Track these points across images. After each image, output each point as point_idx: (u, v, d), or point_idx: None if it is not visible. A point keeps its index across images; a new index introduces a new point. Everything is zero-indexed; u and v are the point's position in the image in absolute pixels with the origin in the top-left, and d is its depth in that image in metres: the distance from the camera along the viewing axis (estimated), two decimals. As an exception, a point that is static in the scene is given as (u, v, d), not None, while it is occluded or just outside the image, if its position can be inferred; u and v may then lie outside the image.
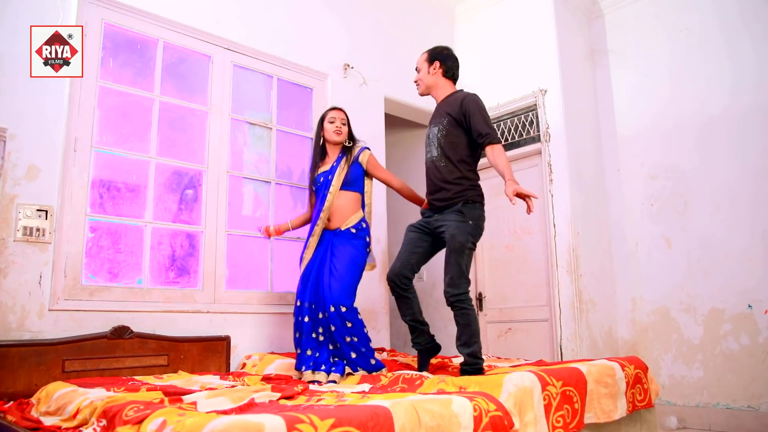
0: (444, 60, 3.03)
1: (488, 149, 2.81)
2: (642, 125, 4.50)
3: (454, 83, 3.08)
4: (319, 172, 3.24)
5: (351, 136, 3.32)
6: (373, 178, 3.35)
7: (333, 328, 2.96)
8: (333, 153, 3.28)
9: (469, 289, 2.80)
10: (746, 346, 3.81)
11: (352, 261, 3.09)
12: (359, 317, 3.01)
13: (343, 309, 2.95)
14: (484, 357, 2.98)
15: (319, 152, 3.28)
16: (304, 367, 2.94)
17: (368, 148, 3.32)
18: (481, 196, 2.88)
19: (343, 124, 3.27)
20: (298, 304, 3.09)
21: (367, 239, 3.19)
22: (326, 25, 4.24)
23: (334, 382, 2.84)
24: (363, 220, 3.21)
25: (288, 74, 4.01)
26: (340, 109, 3.31)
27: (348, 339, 2.96)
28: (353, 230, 3.15)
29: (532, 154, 4.54)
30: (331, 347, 3.01)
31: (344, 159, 3.22)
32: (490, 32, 4.96)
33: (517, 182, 2.69)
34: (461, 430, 1.71)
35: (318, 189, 3.23)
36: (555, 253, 4.23)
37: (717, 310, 3.97)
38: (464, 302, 2.75)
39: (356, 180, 3.23)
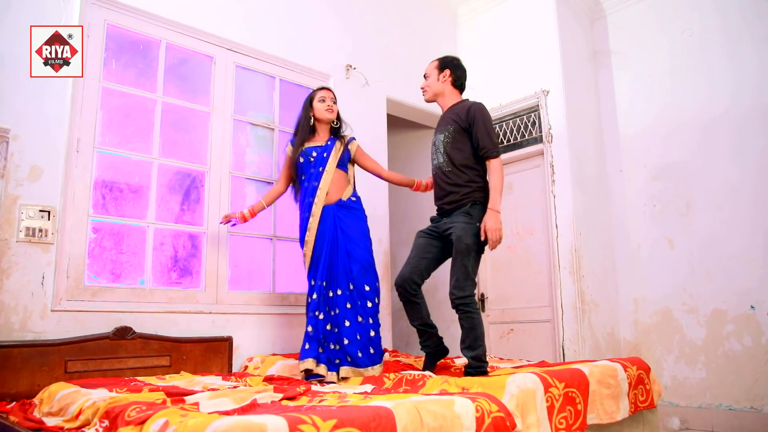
0: (454, 69, 3.06)
1: (486, 163, 2.89)
2: (644, 126, 4.50)
3: (461, 93, 3.11)
4: (308, 146, 3.25)
5: (338, 116, 3.36)
6: (355, 165, 3.41)
7: (349, 306, 2.98)
8: (322, 131, 3.31)
9: (475, 292, 2.80)
10: (749, 347, 3.81)
11: (367, 236, 3.18)
12: (377, 300, 3.06)
13: (367, 288, 3.02)
14: (487, 359, 2.98)
15: (308, 130, 3.28)
16: (306, 356, 2.94)
17: (354, 138, 3.39)
18: (487, 197, 2.89)
19: (334, 103, 3.31)
20: (312, 283, 3.10)
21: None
22: (328, 26, 4.25)
23: (333, 382, 2.85)
24: (354, 194, 3.28)
25: (290, 75, 4.01)
26: (329, 89, 3.36)
27: (360, 319, 2.97)
28: (353, 198, 3.24)
29: (534, 154, 4.54)
30: (329, 327, 3.00)
31: (339, 141, 3.28)
32: (493, 33, 4.96)
33: (498, 212, 2.77)
34: (463, 431, 1.70)
35: (308, 163, 3.21)
36: (557, 253, 4.23)
37: (719, 310, 3.96)
38: (469, 305, 2.75)
39: (346, 162, 3.30)
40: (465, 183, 2.88)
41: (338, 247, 3.08)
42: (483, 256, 4.78)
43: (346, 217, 3.14)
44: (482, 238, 2.77)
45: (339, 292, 3.03)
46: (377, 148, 4.32)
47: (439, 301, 4.60)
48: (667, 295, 4.23)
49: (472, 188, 2.87)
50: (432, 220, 3.08)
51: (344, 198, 3.20)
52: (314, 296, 3.04)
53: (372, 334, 3.01)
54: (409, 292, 2.91)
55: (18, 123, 2.75)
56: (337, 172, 3.21)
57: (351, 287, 3.00)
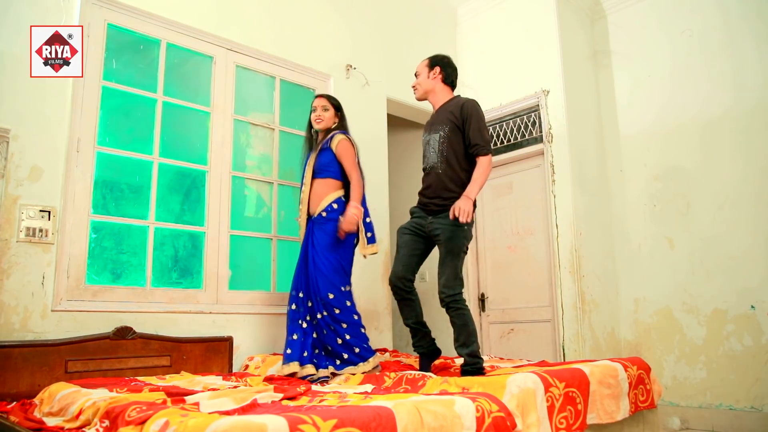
0: (444, 66, 3.07)
1: (476, 159, 2.89)
2: (644, 126, 4.50)
3: (453, 90, 3.12)
4: (306, 157, 3.33)
5: (342, 120, 3.34)
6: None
7: (320, 316, 3.01)
8: (323, 138, 3.32)
9: (463, 290, 2.83)
10: (749, 347, 3.80)
11: (327, 248, 3.10)
12: (348, 304, 3.05)
13: (331, 296, 3.01)
14: (485, 357, 2.99)
15: (310, 139, 3.36)
16: (290, 360, 2.96)
17: (344, 133, 3.27)
18: (474, 201, 2.90)
19: (325, 110, 3.29)
20: (293, 293, 3.16)
21: (340, 218, 3.11)
22: (328, 26, 4.25)
23: (326, 378, 2.87)
24: (336, 201, 3.17)
25: (290, 75, 4.01)
26: (322, 96, 3.36)
27: (333, 327, 3.00)
28: (324, 214, 3.15)
29: (534, 154, 4.54)
30: (315, 335, 3.05)
31: (317, 146, 3.27)
32: (493, 33, 4.96)
33: (470, 199, 2.78)
34: (464, 431, 1.70)
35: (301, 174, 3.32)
36: (557, 253, 4.23)
37: (720, 310, 3.96)
38: (459, 302, 2.78)
39: (326, 166, 3.21)
40: (455, 187, 2.89)
41: (307, 260, 3.13)
42: (483, 256, 4.83)
43: (316, 230, 3.15)
44: (451, 217, 2.78)
45: (310, 303, 3.09)
46: (377, 147, 4.33)
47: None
48: (668, 295, 4.23)
49: (459, 193, 2.86)
50: (412, 213, 3.07)
51: (315, 213, 3.18)
52: (293, 306, 3.11)
53: (347, 337, 2.99)
54: (404, 289, 2.93)
55: (18, 123, 2.75)
56: (316, 182, 3.20)
57: (318, 299, 3.04)
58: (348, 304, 3.07)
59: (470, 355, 2.71)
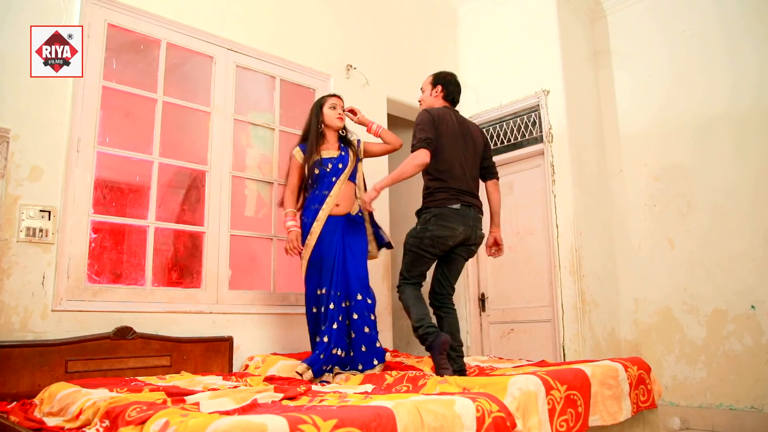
0: (446, 85, 3.20)
1: None
2: (644, 126, 4.50)
3: (453, 107, 3.23)
4: (323, 157, 3.26)
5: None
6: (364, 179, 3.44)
7: (356, 317, 3.06)
8: (331, 138, 3.36)
9: (408, 283, 3.01)
10: (749, 346, 3.80)
11: (365, 254, 3.26)
12: (372, 318, 3.14)
13: (369, 301, 3.11)
14: (484, 357, 3.01)
15: (318, 136, 3.32)
16: (310, 363, 2.93)
17: (359, 139, 3.47)
18: (434, 200, 2.97)
19: (343, 111, 3.39)
20: (320, 292, 3.11)
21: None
22: (329, 26, 4.25)
23: (327, 381, 2.87)
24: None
25: (290, 75, 4.01)
26: (340, 97, 3.43)
27: (367, 330, 3.06)
28: (360, 214, 3.29)
29: (534, 154, 4.54)
30: (345, 338, 3.08)
31: (351, 151, 3.34)
32: (493, 33, 4.95)
33: (375, 190, 2.93)
34: (464, 431, 1.70)
35: (324, 173, 3.24)
36: (558, 253, 4.23)
37: (720, 310, 3.96)
38: (402, 293, 3.00)
39: (356, 173, 3.36)
40: (423, 190, 3.06)
41: (346, 261, 3.14)
42: (484, 256, 4.80)
43: (354, 232, 3.21)
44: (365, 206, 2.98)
45: (344, 304, 3.10)
46: (377, 147, 4.32)
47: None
48: (668, 295, 4.23)
49: (423, 196, 3.05)
50: None
51: (353, 212, 3.25)
52: (331, 306, 3.04)
53: (378, 344, 3.10)
54: (433, 304, 3.10)
55: (18, 123, 2.75)
56: (347, 184, 3.26)
57: (360, 298, 3.10)
58: (372, 318, 3.15)
59: (415, 329, 2.84)
